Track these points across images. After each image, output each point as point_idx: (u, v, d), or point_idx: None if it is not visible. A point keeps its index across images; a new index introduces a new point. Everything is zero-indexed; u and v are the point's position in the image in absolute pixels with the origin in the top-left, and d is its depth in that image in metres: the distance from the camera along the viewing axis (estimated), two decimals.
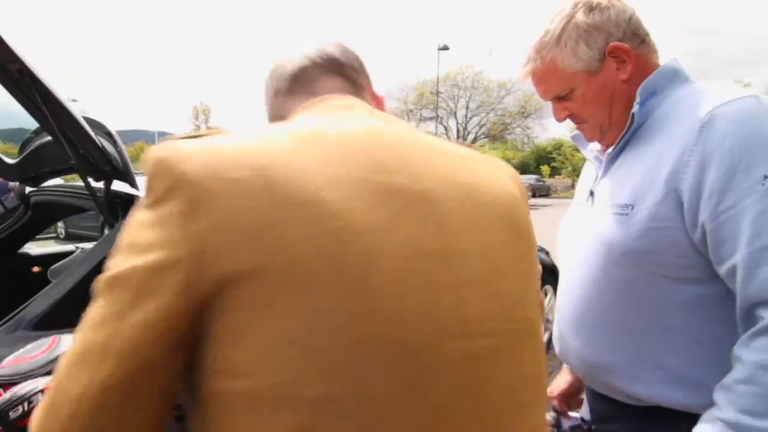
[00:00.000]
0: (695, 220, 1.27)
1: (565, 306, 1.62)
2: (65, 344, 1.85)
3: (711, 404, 1.25)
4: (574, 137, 1.78)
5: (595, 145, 1.70)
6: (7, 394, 1.66)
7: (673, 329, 1.36)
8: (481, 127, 64.86)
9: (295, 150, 0.82)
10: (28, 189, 3.54)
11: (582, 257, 1.54)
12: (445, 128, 65.76)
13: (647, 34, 1.52)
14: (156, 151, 0.78)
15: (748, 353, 1.17)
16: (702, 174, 1.25)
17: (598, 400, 1.62)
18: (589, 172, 1.75)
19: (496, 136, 65.32)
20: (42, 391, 1.69)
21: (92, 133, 2.36)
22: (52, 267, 3.29)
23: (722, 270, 1.25)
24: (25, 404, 1.67)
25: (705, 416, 1.24)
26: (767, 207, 1.18)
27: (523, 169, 66.06)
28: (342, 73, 1.18)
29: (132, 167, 2.64)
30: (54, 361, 1.79)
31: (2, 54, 1.92)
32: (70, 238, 13.64)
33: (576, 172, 50.39)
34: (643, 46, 1.51)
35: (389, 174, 0.85)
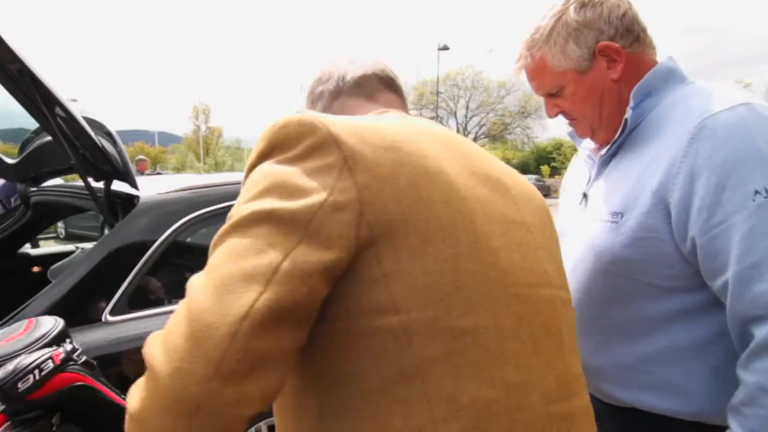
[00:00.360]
0: (685, 234, 1.26)
1: None
2: (45, 325, 1.79)
3: (690, 410, 1.32)
4: (570, 133, 1.75)
5: (590, 143, 1.67)
6: (10, 366, 1.59)
7: (658, 336, 1.37)
8: (481, 127, 64.76)
9: (413, 134, 0.98)
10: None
11: (574, 261, 1.51)
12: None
13: (643, 31, 1.47)
14: (293, 116, 0.91)
15: (748, 375, 1.17)
16: (691, 187, 1.23)
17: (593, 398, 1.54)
18: (581, 170, 1.71)
19: (496, 136, 65.23)
20: (51, 358, 1.65)
21: (92, 133, 2.36)
22: (52, 267, 3.30)
23: (714, 284, 1.24)
24: (36, 372, 1.60)
25: None
26: (757, 223, 1.15)
27: (523, 169, 65.89)
28: (396, 90, 1.34)
29: (132, 167, 2.64)
30: (37, 341, 1.73)
31: (2, 54, 1.92)
32: (70, 238, 13.63)
33: None
34: (636, 44, 1.45)
35: (475, 162, 1.05)
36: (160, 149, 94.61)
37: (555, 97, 1.55)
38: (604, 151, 1.52)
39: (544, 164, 61.56)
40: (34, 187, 3.56)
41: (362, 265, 0.85)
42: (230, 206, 2.93)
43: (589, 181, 1.59)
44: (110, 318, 2.41)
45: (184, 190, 2.97)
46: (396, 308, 0.84)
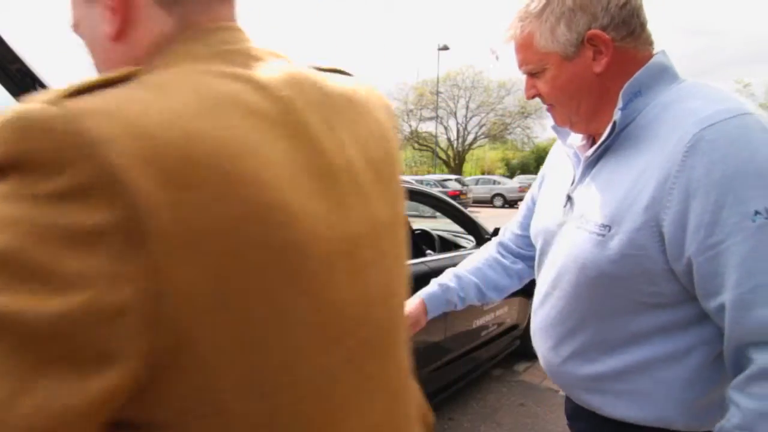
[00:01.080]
0: (680, 253, 1.21)
1: (537, 309, 1.64)
2: None
3: (655, 417, 1.33)
4: (554, 127, 1.63)
5: (576, 140, 1.59)
6: None
7: (635, 350, 1.36)
8: (481, 127, 64.67)
9: (234, 116, 0.64)
10: None
11: (556, 268, 1.51)
12: (445, 128, 65.67)
13: (641, 26, 1.37)
14: (29, 108, 0.53)
15: (745, 399, 1.14)
16: (687, 205, 1.17)
17: (568, 400, 1.64)
18: (565, 167, 1.63)
19: (496, 136, 65.14)
20: None
21: None
22: None
23: (710, 305, 1.21)
24: None
25: None
26: (757, 246, 1.11)
27: (523, 169, 66.05)
28: None
29: None
30: None
31: (2, 54, 1.92)
32: None
33: None
34: (629, 39, 1.35)
35: (329, 144, 0.74)
36: None
37: (535, 78, 1.46)
38: (590, 152, 1.44)
39: (543, 164, 61.68)
40: None
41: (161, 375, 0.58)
42: None
43: (573, 182, 1.52)
44: None
45: None
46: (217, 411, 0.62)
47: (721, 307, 1.17)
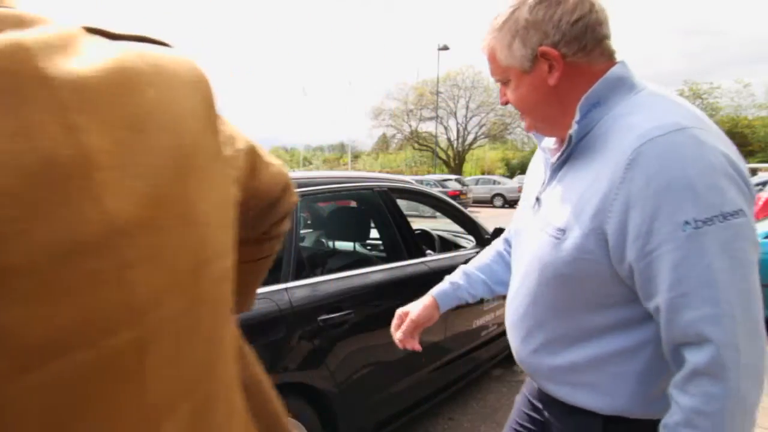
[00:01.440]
0: (622, 257, 1.32)
1: (509, 304, 1.76)
2: None
3: (612, 407, 1.46)
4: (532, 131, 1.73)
5: (549, 143, 1.70)
6: None
7: (591, 345, 1.47)
8: (481, 127, 64.72)
9: None
10: None
11: (524, 266, 1.64)
12: (445, 128, 65.69)
13: (596, 41, 1.43)
14: None
15: (683, 397, 1.25)
16: (627, 215, 1.28)
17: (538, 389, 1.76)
18: (539, 169, 1.73)
19: (496, 136, 65.18)
20: None
21: None
22: None
23: (649, 306, 1.33)
24: None
25: None
26: (687, 254, 1.21)
27: (523, 169, 65.83)
28: None
29: None
30: None
31: None
32: None
33: None
34: (581, 54, 1.42)
35: None
36: None
37: (504, 86, 1.57)
38: (554, 158, 1.55)
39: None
40: None
41: None
42: None
43: (543, 184, 1.62)
44: None
45: None
46: None
47: (657, 309, 1.30)
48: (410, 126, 63.99)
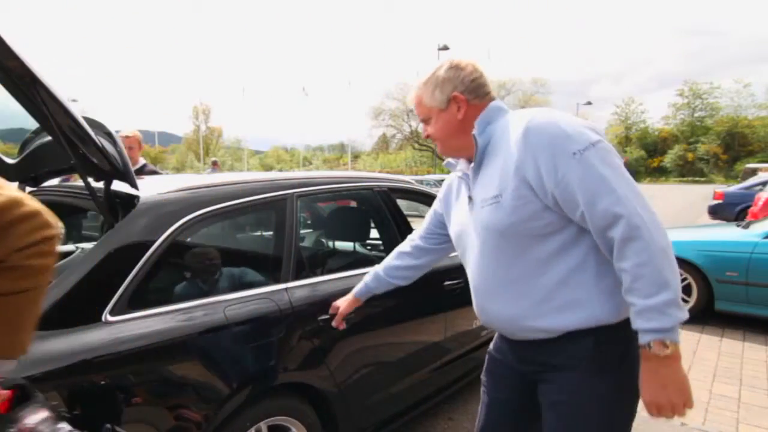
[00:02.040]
0: (545, 191, 1.92)
1: (477, 285, 2.27)
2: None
3: (590, 317, 1.98)
4: (446, 164, 2.51)
5: (462, 166, 2.35)
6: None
7: (548, 270, 2.02)
8: None
9: None
10: (27, 189, 3.53)
11: (478, 245, 2.20)
12: None
13: (485, 91, 2.25)
14: None
15: (624, 263, 1.81)
16: (537, 162, 1.91)
17: (519, 345, 2.25)
18: (457, 188, 2.49)
19: None
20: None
21: (92, 133, 2.36)
22: None
23: (575, 216, 1.92)
24: None
25: (633, 318, 1.82)
26: (583, 171, 1.85)
27: None
28: None
29: (132, 167, 2.63)
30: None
31: (2, 53, 1.91)
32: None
33: None
34: (477, 99, 2.22)
35: None
36: (160, 149, 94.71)
37: (426, 124, 2.34)
38: (473, 164, 2.21)
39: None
40: (34, 187, 3.56)
41: None
42: (230, 206, 2.91)
43: (470, 189, 2.25)
44: (110, 318, 2.41)
45: (184, 190, 2.97)
46: None
47: (582, 215, 1.89)
48: (410, 126, 64.06)
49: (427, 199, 4.95)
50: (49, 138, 2.86)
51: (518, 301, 2.09)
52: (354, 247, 5.17)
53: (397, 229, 4.19)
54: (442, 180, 35.01)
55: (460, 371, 4.64)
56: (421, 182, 19.44)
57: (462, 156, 2.33)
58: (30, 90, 2.11)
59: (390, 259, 2.93)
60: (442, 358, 4.32)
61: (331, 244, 5.45)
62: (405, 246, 2.92)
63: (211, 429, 2.64)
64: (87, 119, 2.43)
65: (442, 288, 4.22)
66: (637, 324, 1.79)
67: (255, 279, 3.29)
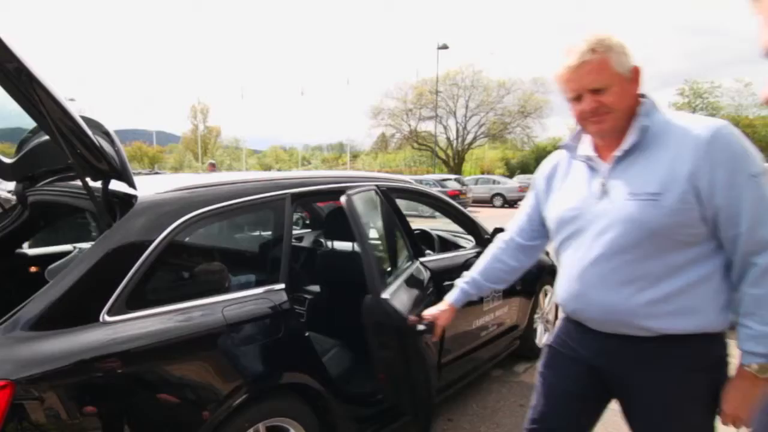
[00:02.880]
0: (712, 203, 1.93)
1: (584, 272, 2.22)
2: None
3: (701, 325, 2.03)
4: (564, 145, 2.43)
5: (587, 151, 2.28)
6: None
7: (677, 276, 2.03)
8: (480, 127, 64.64)
9: None
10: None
11: (610, 234, 2.11)
12: (445, 127, 65.64)
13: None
14: None
15: (756, 290, 1.92)
16: (714, 173, 1.91)
17: (605, 338, 2.24)
18: (577, 171, 2.35)
19: (495, 136, 65.10)
20: None
21: (90, 133, 2.36)
22: (50, 267, 3.29)
23: (727, 233, 1.97)
24: None
25: (744, 339, 1.95)
26: (756, 194, 1.90)
27: (522, 168, 65.81)
28: None
29: (130, 167, 2.63)
30: None
31: (0, 52, 1.91)
32: None
33: None
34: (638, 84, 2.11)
35: None
36: (158, 149, 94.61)
37: (597, 94, 2.08)
38: (619, 151, 2.12)
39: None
40: (31, 186, 3.56)
41: None
42: (228, 206, 2.91)
43: (605, 177, 2.17)
44: (108, 318, 2.42)
45: (182, 189, 2.97)
46: None
47: (738, 235, 1.94)
48: (409, 125, 63.93)
49: (427, 198, 4.95)
50: (47, 137, 2.86)
51: (634, 297, 2.09)
52: (353, 247, 5.17)
53: (396, 230, 4.18)
54: (442, 180, 34.65)
55: (460, 372, 4.64)
56: (420, 182, 19.38)
57: (611, 136, 2.17)
58: (27, 89, 2.11)
59: (487, 262, 2.80)
60: (441, 359, 4.32)
61: (329, 244, 5.45)
62: (500, 247, 2.79)
63: (209, 430, 2.63)
64: (85, 118, 2.43)
65: (441, 289, 4.18)
66: (747, 346, 1.95)
67: (253, 279, 3.28)
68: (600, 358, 2.28)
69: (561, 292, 2.38)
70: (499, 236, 2.82)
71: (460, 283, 2.84)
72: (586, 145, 2.30)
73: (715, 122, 1.98)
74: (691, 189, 1.94)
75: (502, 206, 35.18)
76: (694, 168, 1.94)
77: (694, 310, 2.03)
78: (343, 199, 3.10)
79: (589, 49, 2.04)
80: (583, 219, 2.23)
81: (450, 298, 2.84)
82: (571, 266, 2.29)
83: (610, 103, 2.07)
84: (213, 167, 20.80)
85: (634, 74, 2.08)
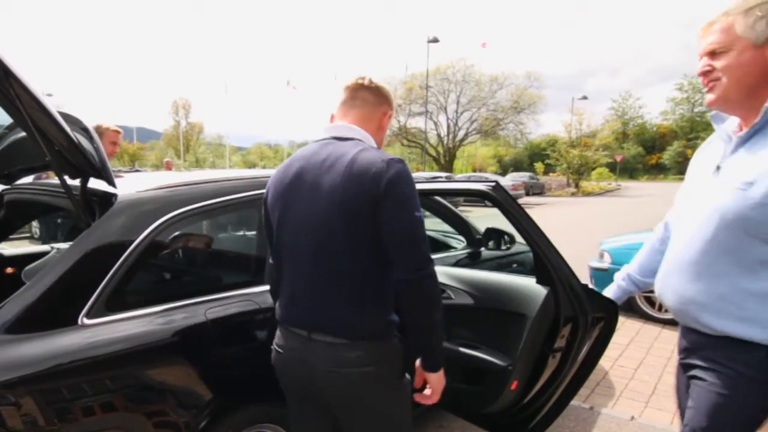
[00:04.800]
0: None
1: (675, 254, 2.19)
2: None
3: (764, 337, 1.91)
4: (713, 116, 2.20)
5: (731, 125, 2.12)
6: None
7: (754, 280, 1.93)
8: (472, 123, 64.84)
9: None
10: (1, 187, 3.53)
11: (699, 219, 2.05)
12: (435, 124, 65.72)
13: None
14: None
15: None
16: None
17: (687, 333, 2.22)
18: (716, 148, 2.18)
19: (487, 132, 65.28)
20: None
21: (68, 129, 2.35)
22: (26, 268, 3.28)
23: None
24: None
25: None
26: None
27: (516, 166, 66.03)
28: None
29: (109, 164, 2.63)
30: None
31: None
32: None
33: (571, 169, 50.35)
34: None
35: None
36: (139, 145, 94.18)
37: (714, 57, 1.98)
38: (743, 132, 1.99)
39: (537, 161, 61.62)
40: (7, 184, 3.55)
41: None
42: (211, 204, 2.88)
43: (723, 156, 2.07)
44: (87, 321, 2.42)
45: (163, 188, 2.97)
46: None
47: None
48: (399, 121, 63.86)
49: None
50: (24, 134, 2.85)
51: (705, 292, 2.04)
52: None
53: None
54: (432, 178, 34.89)
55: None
56: None
57: (735, 113, 2.08)
58: (3, 83, 2.11)
59: (643, 258, 2.68)
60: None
61: None
62: (656, 242, 2.62)
63: None
64: (62, 114, 2.42)
65: None
66: None
67: (237, 280, 3.26)
68: (681, 351, 2.30)
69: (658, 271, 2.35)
70: (658, 225, 2.66)
71: (617, 279, 2.79)
72: (731, 121, 2.15)
73: None
74: None
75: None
76: None
77: (762, 320, 1.92)
78: None
79: (722, 13, 1.96)
80: (691, 199, 2.18)
81: (611, 294, 2.83)
82: (670, 246, 2.27)
83: (724, 66, 1.96)
84: (169, 165, 20.93)
85: None
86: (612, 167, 58.65)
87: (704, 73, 2.01)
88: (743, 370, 1.99)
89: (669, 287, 2.20)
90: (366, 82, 2.33)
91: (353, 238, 2.07)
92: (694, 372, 2.19)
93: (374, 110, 2.37)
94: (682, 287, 2.13)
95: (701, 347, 2.14)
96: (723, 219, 1.94)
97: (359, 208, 2.03)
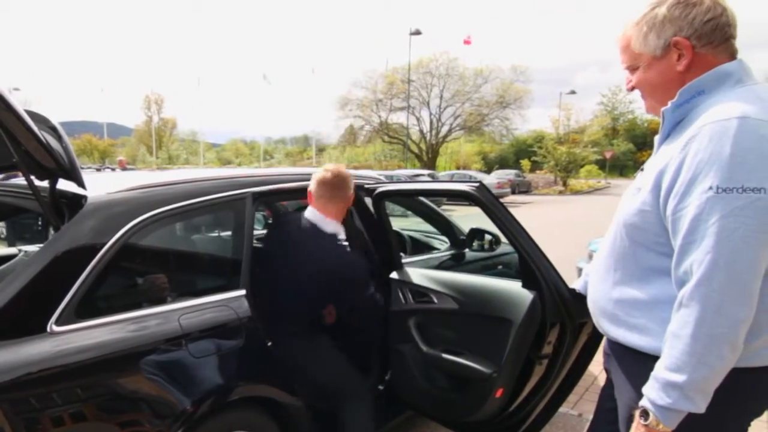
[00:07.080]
0: (665, 210, 1.80)
1: (596, 256, 2.25)
2: None
3: (657, 347, 1.86)
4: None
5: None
6: None
7: (643, 289, 1.96)
8: (456, 118, 64.88)
9: None
10: None
11: (612, 223, 2.12)
12: (417, 119, 65.74)
13: (723, 39, 1.87)
14: None
15: (671, 324, 1.78)
16: (677, 177, 1.75)
17: (607, 339, 2.25)
18: None
19: (472, 128, 65.34)
20: None
21: (35, 128, 2.35)
22: None
23: (674, 249, 1.79)
24: None
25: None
26: (701, 212, 1.67)
27: (501, 163, 65.98)
28: None
29: (79, 164, 2.62)
30: None
31: None
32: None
33: (558, 167, 50.44)
34: (708, 47, 1.87)
35: None
36: (110, 142, 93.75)
37: (631, 73, 2.05)
38: (656, 138, 2.03)
39: (524, 158, 61.64)
40: None
41: None
42: (185, 206, 2.87)
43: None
44: (56, 328, 2.41)
45: (135, 189, 2.96)
46: None
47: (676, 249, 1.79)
48: (379, 117, 63.94)
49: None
50: None
51: (604, 299, 2.12)
52: None
53: (366, 230, 4.18)
54: (414, 175, 34.53)
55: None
56: (390, 178, 19.40)
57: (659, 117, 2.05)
58: None
59: None
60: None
61: None
62: None
63: None
64: (29, 112, 2.41)
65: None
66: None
67: (212, 285, 3.27)
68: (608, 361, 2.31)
69: None
70: None
71: (584, 271, 2.79)
72: None
73: (723, 112, 1.72)
74: (655, 188, 1.84)
75: None
76: (665, 165, 1.81)
77: (651, 330, 1.93)
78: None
79: (622, 25, 2.04)
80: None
81: (576, 285, 2.90)
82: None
83: (638, 84, 2.05)
84: (123, 163, 20.75)
85: (674, 49, 1.89)
86: (601, 164, 58.70)
87: (631, 89, 2.11)
88: (635, 379, 2.02)
89: (589, 297, 2.30)
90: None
91: None
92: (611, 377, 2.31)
93: None
94: (592, 290, 2.26)
95: (613, 352, 2.22)
96: (618, 224, 2.06)
97: None
